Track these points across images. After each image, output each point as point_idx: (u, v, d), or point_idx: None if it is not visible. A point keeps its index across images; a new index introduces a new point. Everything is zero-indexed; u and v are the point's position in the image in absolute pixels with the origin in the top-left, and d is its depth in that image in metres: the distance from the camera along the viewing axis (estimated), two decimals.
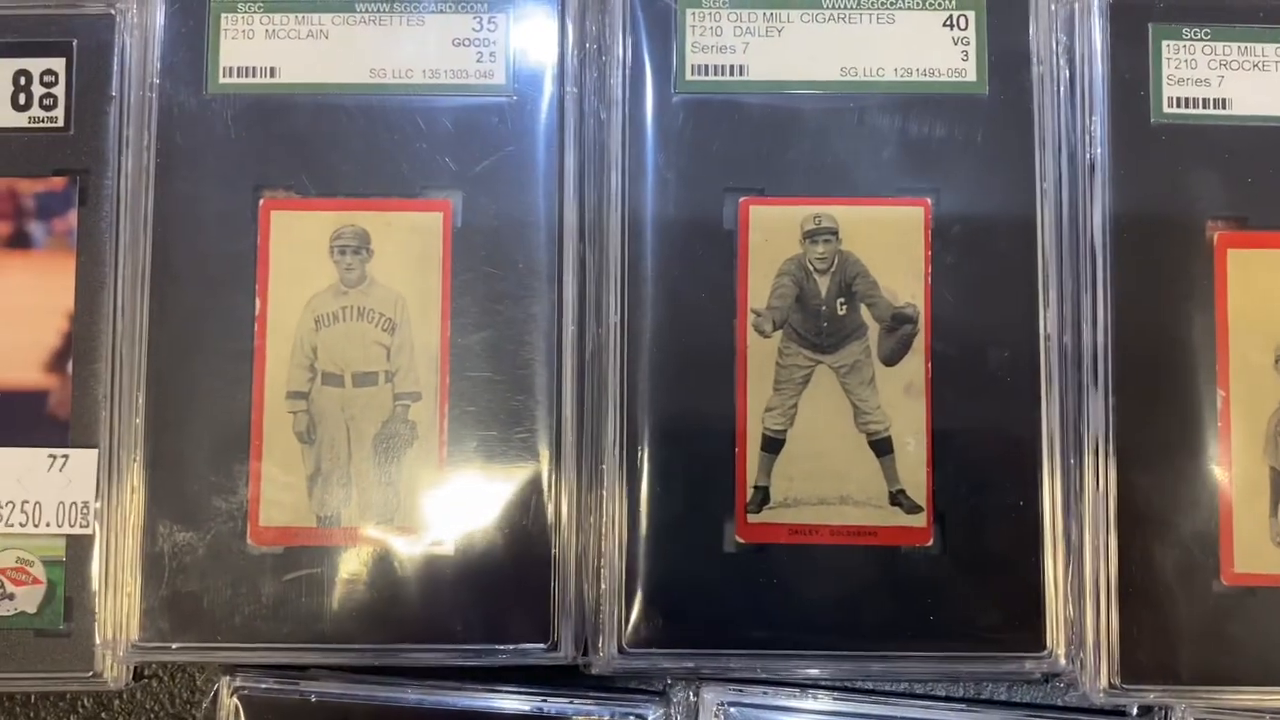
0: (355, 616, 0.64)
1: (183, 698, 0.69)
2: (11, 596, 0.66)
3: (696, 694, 0.65)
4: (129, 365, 0.66)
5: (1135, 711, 0.65)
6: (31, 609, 0.66)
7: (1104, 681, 0.63)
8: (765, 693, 0.65)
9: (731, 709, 0.64)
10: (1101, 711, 0.65)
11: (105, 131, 0.68)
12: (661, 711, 0.65)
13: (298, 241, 0.67)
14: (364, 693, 0.65)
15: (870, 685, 0.67)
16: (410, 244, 0.67)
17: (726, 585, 0.64)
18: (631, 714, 0.64)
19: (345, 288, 0.67)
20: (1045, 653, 0.63)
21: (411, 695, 0.65)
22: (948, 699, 0.67)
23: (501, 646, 0.64)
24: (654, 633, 0.64)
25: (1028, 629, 0.63)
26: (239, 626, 0.64)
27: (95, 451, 0.66)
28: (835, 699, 0.65)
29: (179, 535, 0.64)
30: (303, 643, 0.64)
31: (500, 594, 0.64)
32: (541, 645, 0.64)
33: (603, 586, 0.64)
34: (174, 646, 0.64)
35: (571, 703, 0.65)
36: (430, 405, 0.66)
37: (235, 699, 0.65)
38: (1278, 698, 0.63)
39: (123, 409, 0.66)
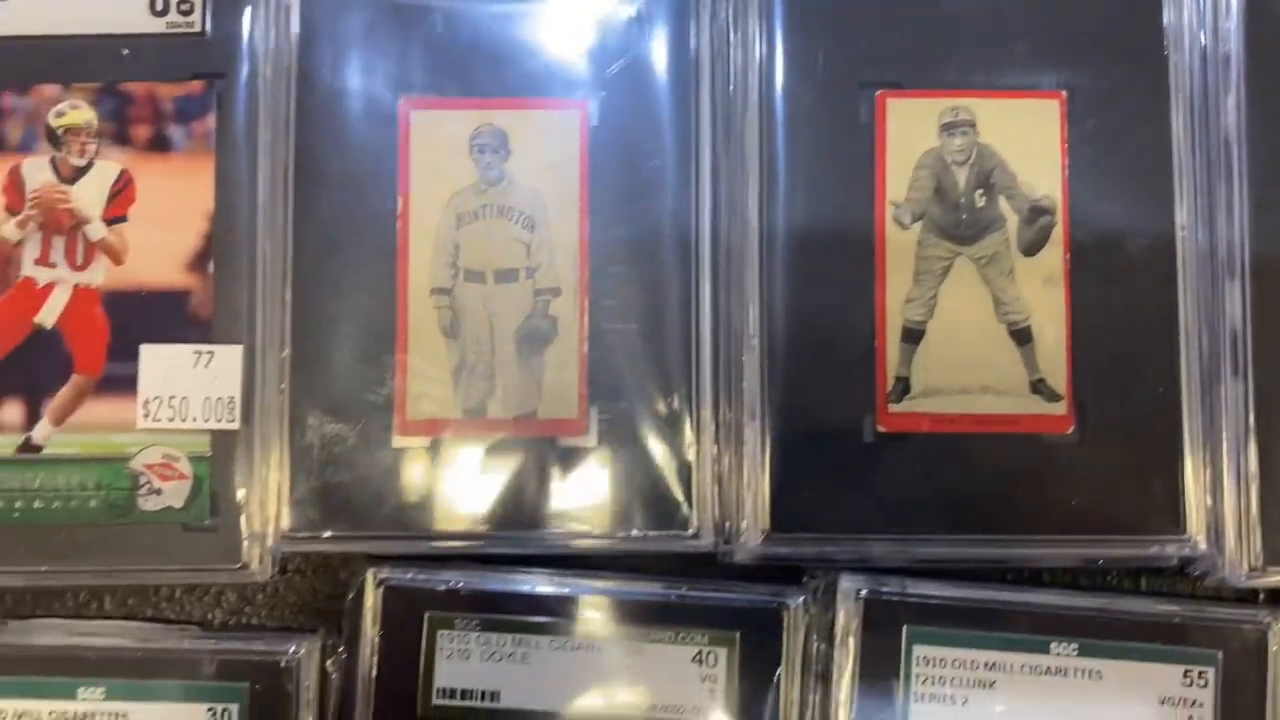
0: (500, 506, 0.65)
1: (325, 591, 0.69)
2: (159, 492, 0.67)
3: (834, 582, 0.66)
4: (274, 263, 0.66)
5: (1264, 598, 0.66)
6: (178, 504, 0.67)
7: (1245, 565, 0.63)
8: (904, 580, 0.65)
9: (869, 595, 0.65)
10: (1232, 599, 0.66)
11: (241, 36, 0.69)
12: (801, 598, 0.65)
13: (438, 141, 0.67)
14: (506, 583, 0.66)
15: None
16: (547, 143, 0.67)
17: (866, 474, 0.65)
18: (775, 601, 0.65)
19: (485, 186, 0.67)
20: (1185, 537, 0.64)
21: (553, 584, 0.66)
22: (1085, 587, 0.67)
23: (643, 533, 0.65)
24: (793, 521, 0.65)
25: (1167, 514, 0.64)
26: (386, 517, 0.65)
27: (240, 348, 0.67)
28: (973, 586, 0.66)
29: (328, 427, 0.66)
30: (448, 531, 0.65)
31: (641, 483, 0.65)
32: (682, 533, 0.65)
33: (744, 475, 0.65)
34: (324, 535, 0.65)
35: (713, 591, 0.66)
36: (570, 300, 0.67)
37: (381, 590, 0.66)
38: None
39: (268, 306, 0.67)
